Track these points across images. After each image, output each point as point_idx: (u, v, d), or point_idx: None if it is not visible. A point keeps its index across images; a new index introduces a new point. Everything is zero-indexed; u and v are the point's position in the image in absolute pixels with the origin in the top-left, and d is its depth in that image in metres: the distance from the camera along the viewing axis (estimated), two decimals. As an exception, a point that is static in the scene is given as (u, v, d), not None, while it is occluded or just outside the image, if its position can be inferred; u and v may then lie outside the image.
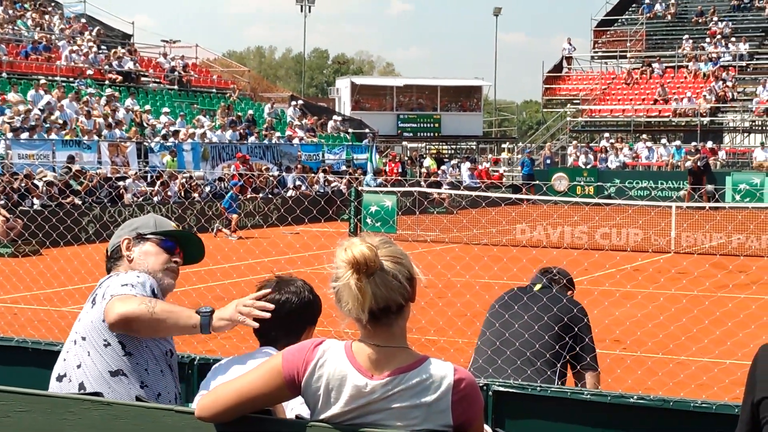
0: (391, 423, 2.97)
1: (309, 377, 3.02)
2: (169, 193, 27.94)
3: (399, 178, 35.97)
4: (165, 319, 3.68)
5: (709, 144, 43.49)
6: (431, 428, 2.97)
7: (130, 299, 3.72)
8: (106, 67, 37.23)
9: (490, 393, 4.70)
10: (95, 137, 28.89)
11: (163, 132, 32.55)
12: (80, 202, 24.22)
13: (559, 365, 5.66)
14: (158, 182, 27.66)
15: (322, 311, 3.84)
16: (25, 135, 26.82)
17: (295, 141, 38.45)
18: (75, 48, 36.98)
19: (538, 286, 6.04)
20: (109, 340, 3.83)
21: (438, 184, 36.99)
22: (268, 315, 3.67)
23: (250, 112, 39.50)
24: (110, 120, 30.90)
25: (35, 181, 24.31)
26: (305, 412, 3.24)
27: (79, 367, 3.86)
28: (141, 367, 3.86)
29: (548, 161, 44.03)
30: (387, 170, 39.94)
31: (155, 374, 3.90)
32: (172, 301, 3.96)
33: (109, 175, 27.22)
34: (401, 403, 2.96)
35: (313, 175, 34.84)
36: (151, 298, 3.76)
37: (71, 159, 26.24)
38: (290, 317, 3.76)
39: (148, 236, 4.17)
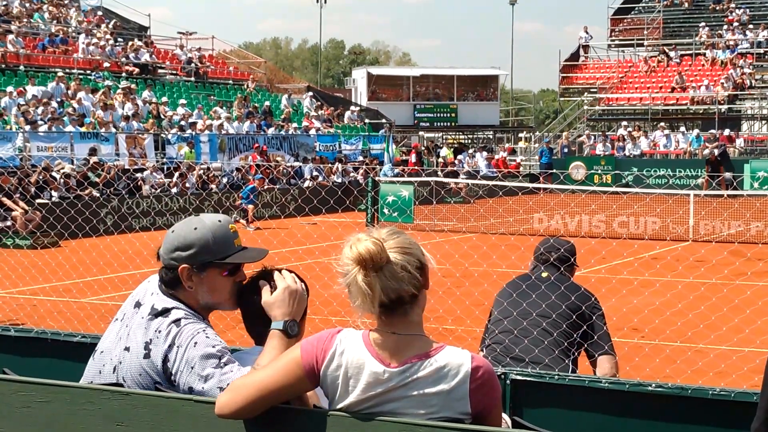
0: (410, 411, 2.97)
1: (327, 366, 3.02)
2: (186, 185, 28.01)
3: (415, 168, 35.91)
4: None
5: (727, 132, 43.29)
6: (450, 416, 2.97)
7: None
8: (123, 59, 37.30)
9: (508, 381, 4.70)
10: (113, 129, 28.98)
11: (180, 123, 32.62)
12: (98, 194, 24.31)
13: (576, 353, 5.67)
14: (176, 173, 27.73)
15: (342, 301, 3.74)
16: (43, 128, 26.91)
17: (312, 132, 38.45)
18: (92, 41, 37.07)
19: (545, 274, 6.02)
20: None
21: (455, 174, 36.93)
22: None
23: (267, 103, 39.52)
24: (127, 112, 30.98)
25: (53, 174, 24.41)
26: (323, 403, 3.24)
27: None
28: None
29: (565, 150, 43.88)
30: (409, 161, 39.79)
31: None
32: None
33: (126, 166, 27.33)
34: (419, 391, 2.96)
35: (330, 165, 34.84)
36: (250, 368, 3.29)
37: (93, 151, 26.31)
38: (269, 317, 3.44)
39: (210, 265, 3.64)
